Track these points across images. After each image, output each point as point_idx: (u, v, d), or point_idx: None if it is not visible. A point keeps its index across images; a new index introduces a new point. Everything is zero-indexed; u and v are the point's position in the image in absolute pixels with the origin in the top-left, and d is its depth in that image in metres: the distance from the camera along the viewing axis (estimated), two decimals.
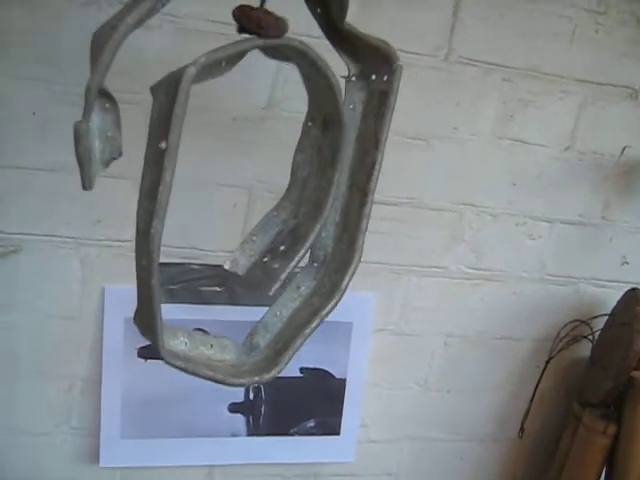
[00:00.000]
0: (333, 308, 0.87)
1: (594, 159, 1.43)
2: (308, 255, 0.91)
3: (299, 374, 1.41)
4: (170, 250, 1.24)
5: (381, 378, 1.49)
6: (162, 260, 0.72)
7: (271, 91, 1.24)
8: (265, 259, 0.88)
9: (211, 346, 0.85)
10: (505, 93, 1.35)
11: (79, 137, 0.65)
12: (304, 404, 1.45)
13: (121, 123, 0.71)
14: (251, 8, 0.76)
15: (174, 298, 1.29)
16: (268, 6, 0.78)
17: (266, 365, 0.84)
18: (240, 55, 0.76)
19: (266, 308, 1.32)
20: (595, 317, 1.50)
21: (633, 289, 1.45)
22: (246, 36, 0.75)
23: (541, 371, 1.53)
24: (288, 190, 0.91)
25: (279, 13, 0.78)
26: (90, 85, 0.65)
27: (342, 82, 0.85)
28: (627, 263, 1.53)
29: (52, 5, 1.12)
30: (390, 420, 1.54)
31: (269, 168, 1.28)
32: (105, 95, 0.68)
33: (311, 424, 1.46)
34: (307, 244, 0.85)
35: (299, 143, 0.89)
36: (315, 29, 0.85)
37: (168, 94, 0.68)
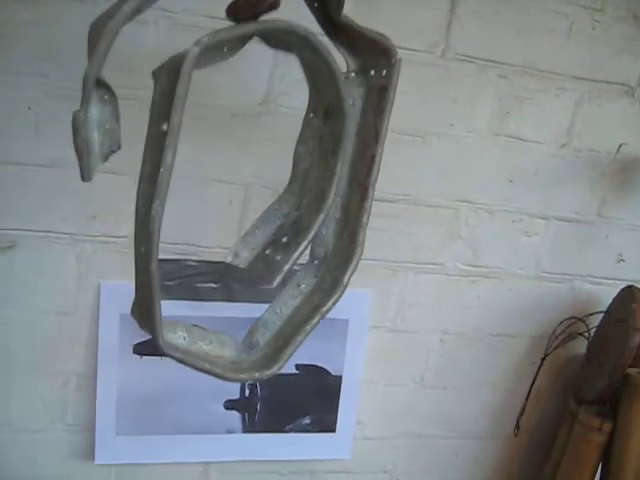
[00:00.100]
0: (334, 304, 0.86)
1: (590, 156, 1.43)
2: (309, 253, 0.91)
3: (295, 371, 1.41)
4: (166, 246, 1.23)
5: (377, 375, 1.49)
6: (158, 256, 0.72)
7: (268, 87, 1.24)
8: (267, 251, 0.87)
9: (210, 342, 0.85)
10: (501, 90, 1.35)
11: (77, 126, 0.65)
12: (300, 401, 1.45)
13: (120, 115, 0.70)
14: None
15: (170, 294, 1.29)
16: None
17: (266, 362, 0.84)
18: (242, 40, 0.76)
19: (262, 304, 1.32)
20: (591, 314, 1.50)
21: (629, 286, 1.45)
22: None
23: (537, 368, 1.53)
24: (290, 183, 0.91)
25: (279, 10, 0.78)
26: (87, 74, 0.64)
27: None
28: (623, 260, 1.53)
29: (48, 0, 1.11)
30: (386, 417, 1.54)
31: (266, 164, 1.28)
32: (104, 86, 0.68)
33: (307, 421, 1.46)
34: (310, 235, 0.85)
35: (300, 134, 0.89)
36: (313, 24, 0.85)
37: (170, 76, 0.67)
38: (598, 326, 1.50)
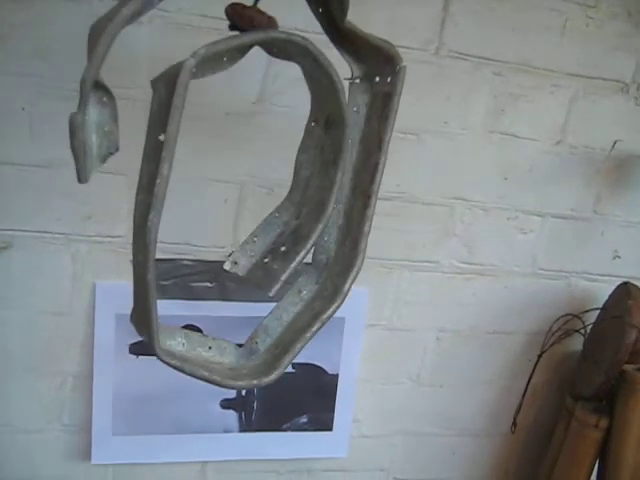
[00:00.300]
0: (334, 312, 0.86)
1: (585, 153, 1.43)
2: (311, 259, 0.91)
3: (291, 370, 1.41)
4: (161, 245, 1.23)
5: (374, 373, 1.49)
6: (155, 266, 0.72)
7: (262, 86, 1.24)
8: (266, 260, 0.87)
9: (209, 348, 0.85)
10: (496, 87, 1.35)
11: (74, 129, 0.65)
12: (296, 400, 1.45)
13: (118, 117, 0.71)
14: (243, 6, 0.77)
15: (165, 294, 1.29)
16: (267, 6, 0.78)
17: (265, 369, 0.84)
18: (241, 50, 0.76)
19: (257, 304, 1.32)
20: (587, 311, 1.50)
21: (625, 283, 1.45)
22: None
23: (533, 365, 1.53)
24: (290, 191, 0.91)
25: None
26: (85, 76, 0.64)
27: (346, 85, 0.85)
28: (619, 257, 1.53)
29: (42, 0, 1.11)
30: (383, 415, 1.54)
31: (260, 163, 1.28)
32: (102, 89, 0.68)
33: (304, 420, 1.46)
34: (308, 245, 0.85)
35: (302, 143, 0.89)
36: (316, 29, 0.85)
37: (167, 86, 0.68)
38: (594, 323, 1.50)
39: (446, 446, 1.61)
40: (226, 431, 1.42)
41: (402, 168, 1.33)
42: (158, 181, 0.67)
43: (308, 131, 0.89)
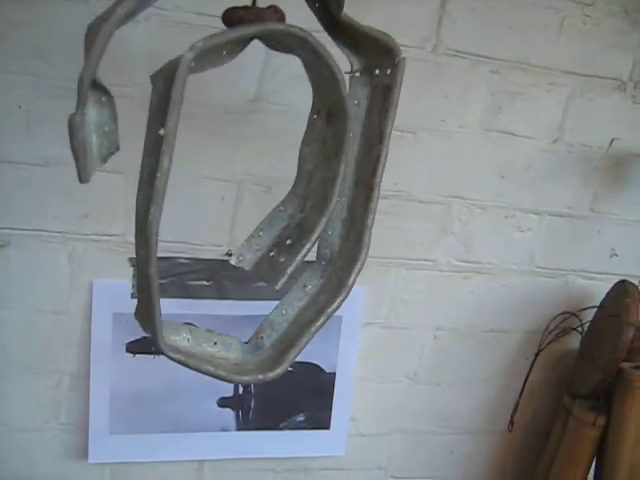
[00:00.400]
0: (339, 305, 0.86)
1: (582, 151, 1.43)
2: (315, 254, 0.91)
3: (289, 368, 1.41)
4: (159, 244, 1.24)
5: (371, 372, 1.49)
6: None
7: (259, 84, 1.24)
8: (272, 253, 0.87)
9: (215, 343, 0.85)
10: (493, 85, 1.35)
11: (73, 130, 0.65)
12: (294, 398, 1.45)
13: (117, 117, 0.71)
14: (245, 8, 0.77)
15: (162, 292, 1.27)
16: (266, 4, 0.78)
17: (270, 364, 0.84)
18: (240, 43, 0.76)
19: (254, 302, 1.33)
20: (584, 309, 1.51)
21: (622, 281, 1.45)
22: None
23: (531, 363, 1.53)
24: (295, 184, 0.91)
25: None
26: (82, 76, 0.64)
27: (346, 79, 0.85)
28: (616, 255, 1.53)
29: None
30: (380, 414, 1.54)
31: (257, 161, 1.28)
32: (101, 89, 0.68)
33: (301, 418, 1.46)
34: (313, 237, 0.85)
35: (305, 136, 0.89)
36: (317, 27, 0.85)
37: (166, 81, 0.68)
38: (591, 321, 1.50)
39: (444, 444, 1.61)
40: (223, 430, 1.42)
41: (399, 166, 1.33)
42: (158, 175, 0.67)
43: (310, 124, 0.89)
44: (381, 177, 0.86)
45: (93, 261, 1.27)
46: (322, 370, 1.44)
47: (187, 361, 0.77)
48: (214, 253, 1.31)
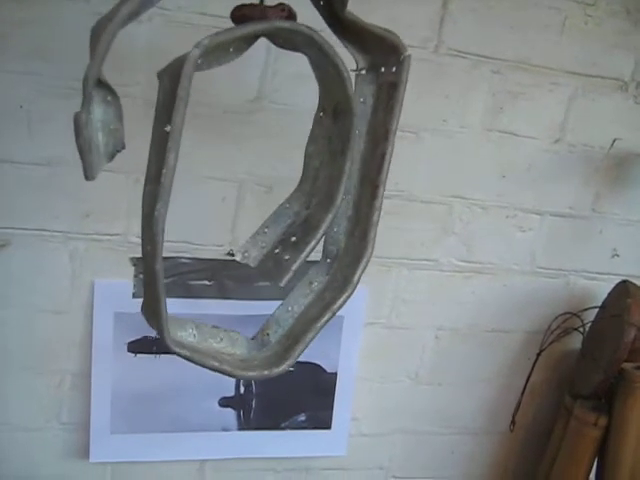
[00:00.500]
0: (345, 302, 0.87)
1: (584, 151, 1.43)
2: (321, 251, 0.92)
3: (290, 368, 1.41)
4: None
5: (372, 371, 1.49)
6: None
7: (260, 83, 1.24)
8: (277, 250, 0.88)
9: (221, 339, 0.86)
10: (494, 85, 1.35)
11: (79, 128, 0.66)
12: (295, 398, 1.45)
13: (123, 116, 0.72)
14: (252, 6, 0.77)
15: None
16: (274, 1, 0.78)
17: (276, 360, 0.85)
18: (247, 41, 0.77)
19: (256, 302, 1.33)
20: (586, 309, 1.50)
21: (623, 281, 1.45)
22: None
23: (532, 364, 1.53)
24: (301, 181, 0.91)
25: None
26: (87, 75, 0.65)
27: (353, 76, 0.85)
28: (617, 255, 1.53)
29: None
30: (381, 414, 1.54)
31: (259, 161, 1.28)
32: (106, 88, 0.69)
33: (302, 418, 1.46)
34: (318, 235, 0.85)
35: (311, 134, 0.90)
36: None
37: (173, 78, 0.69)
38: (593, 321, 1.50)
39: (445, 444, 1.61)
40: (224, 429, 1.42)
41: (401, 166, 1.32)
42: (164, 171, 0.68)
43: (317, 121, 0.89)
44: (387, 174, 0.87)
45: (94, 261, 1.27)
46: (323, 370, 1.44)
47: (192, 356, 0.77)
48: (215, 253, 1.31)
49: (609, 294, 1.48)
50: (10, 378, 1.31)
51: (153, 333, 0.76)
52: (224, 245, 1.31)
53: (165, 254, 1.27)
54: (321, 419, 1.47)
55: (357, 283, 0.87)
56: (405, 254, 1.42)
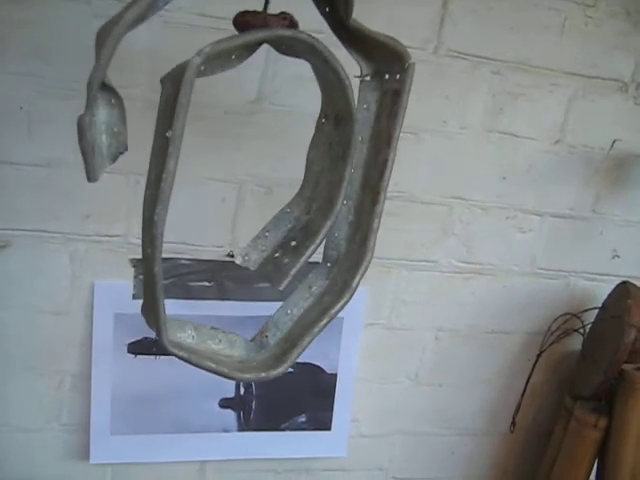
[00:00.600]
0: (343, 306, 0.87)
1: (584, 152, 1.43)
2: (322, 255, 0.92)
3: (290, 369, 1.41)
4: None
5: (372, 372, 1.49)
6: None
7: (260, 85, 1.24)
8: (276, 254, 0.88)
9: (219, 341, 0.86)
10: (495, 86, 1.35)
11: (83, 131, 0.66)
12: (295, 399, 1.45)
13: (126, 119, 0.72)
14: (255, 14, 0.78)
15: (164, 293, 1.29)
16: (277, 9, 0.78)
17: (273, 362, 0.85)
18: (249, 48, 0.77)
19: (255, 303, 1.33)
20: (586, 310, 1.50)
21: (624, 282, 1.45)
22: None
23: (532, 365, 1.53)
24: (301, 187, 0.92)
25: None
26: (92, 78, 0.66)
27: (357, 83, 0.86)
28: (618, 256, 1.53)
29: (42, 0, 1.11)
30: (381, 415, 1.54)
31: (259, 162, 1.28)
32: (110, 90, 0.70)
33: (302, 419, 1.46)
34: (318, 240, 0.86)
35: (313, 139, 0.90)
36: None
37: (174, 84, 0.70)
38: (593, 322, 1.50)
39: (445, 445, 1.61)
40: (225, 430, 1.42)
41: (401, 167, 1.32)
42: (164, 176, 0.69)
43: (319, 127, 0.89)
44: (388, 181, 0.87)
45: (94, 262, 1.27)
46: (323, 371, 1.44)
47: (190, 357, 0.77)
48: (215, 254, 1.31)
49: (609, 295, 1.48)
50: (10, 379, 1.31)
51: (153, 334, 0.77)
52: (224, 246, 1.31)
53: (165, 255, 1.27)
54: (321, 420, 1.47)
55: (356, 288, 0.87)
56: (405, 255, 1.42)
